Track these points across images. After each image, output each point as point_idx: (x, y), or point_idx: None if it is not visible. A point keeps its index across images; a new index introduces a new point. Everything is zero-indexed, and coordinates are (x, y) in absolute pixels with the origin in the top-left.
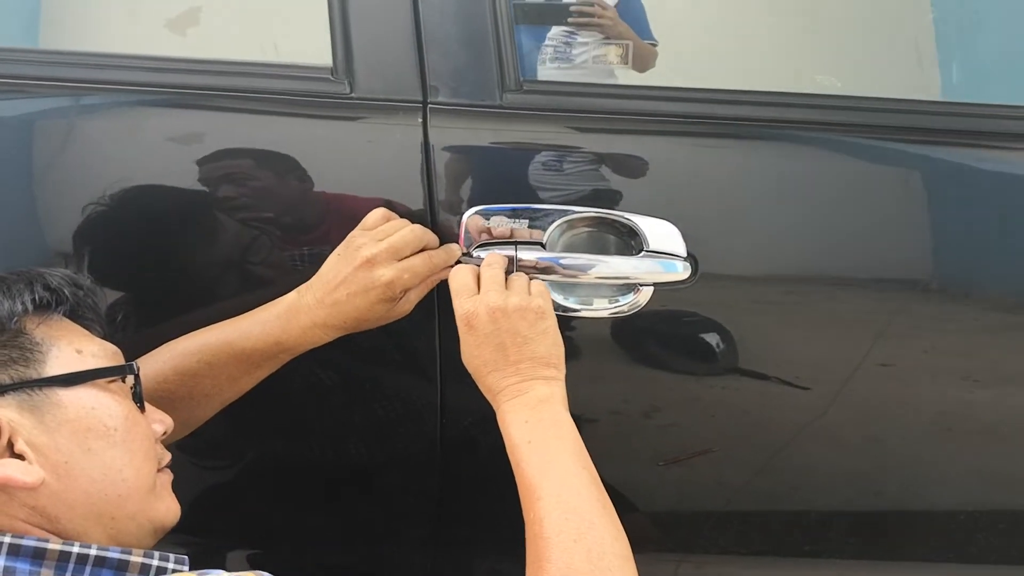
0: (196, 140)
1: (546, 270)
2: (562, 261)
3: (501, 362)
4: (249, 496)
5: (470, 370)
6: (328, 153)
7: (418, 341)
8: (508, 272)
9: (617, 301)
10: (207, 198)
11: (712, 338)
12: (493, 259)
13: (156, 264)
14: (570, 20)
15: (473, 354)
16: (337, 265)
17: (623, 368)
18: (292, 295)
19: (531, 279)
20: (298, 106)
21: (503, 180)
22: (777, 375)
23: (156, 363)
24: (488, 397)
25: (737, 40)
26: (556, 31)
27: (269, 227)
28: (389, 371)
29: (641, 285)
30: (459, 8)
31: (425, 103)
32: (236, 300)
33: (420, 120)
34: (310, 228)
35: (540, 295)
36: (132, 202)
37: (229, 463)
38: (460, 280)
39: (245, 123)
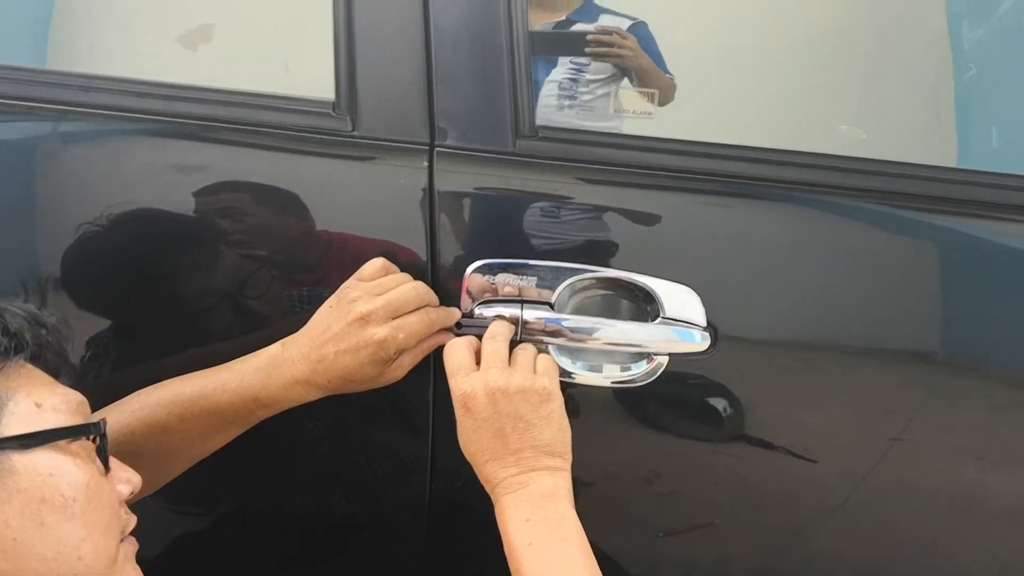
0: (191, 170)
1: (553, 333)
2: (570, 324)
3: (500, 450)
4: (223, 549)
5: (467, 456)
6: (327, 193)
7: (411, 395)
8: (513, 337)
9: (629, 369)
10: (202, 228)
11: (720, 403)
12: (497, 330)
13: (144, 294)
14: (588, 50)
15: (470, 439)
16: (328, 318)
17: (624, 429)
18: (275, 347)
19: (538, 351)
20: (298, 142)
21: (512, 233)
22: (785, 446)
23: (124, 414)
24: (486, 488)
25: (756, 96)
26: (561, 69)
27: (267, 263)
28: (378, 424)
29: (655, 354)
30: (473, 44)
31: (432, 145)
32: (227, 339)
33: (426, 164)
34: (309, 268)
35: (546, 373)
36: (118, 229)
37: (201, 511)
38: (457, 356)
39: (243, 156)
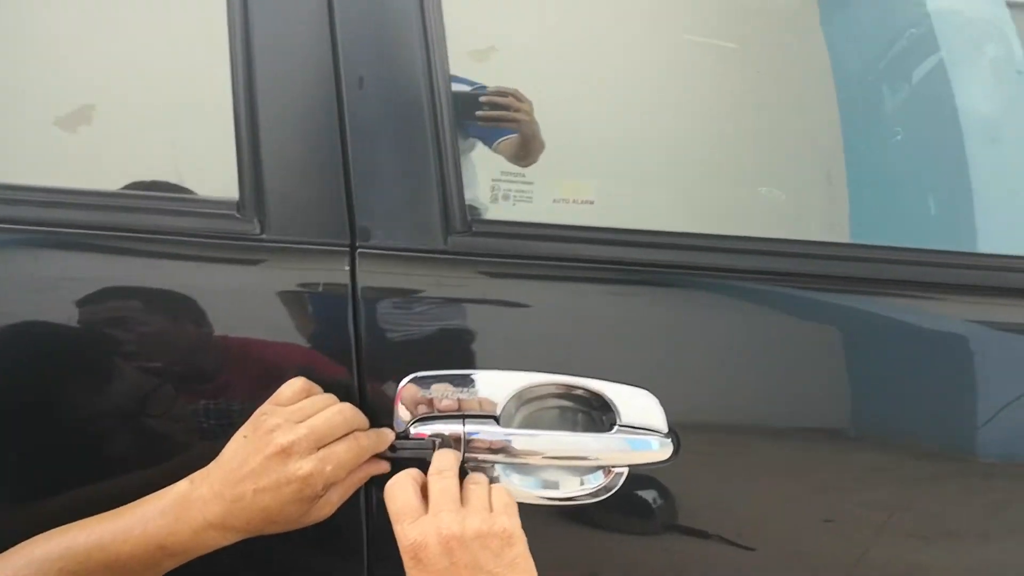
0: (76, 283)
1: (500, 450)
2: (519, 440)
3: None
4: None
5: None
6: (236, 303)
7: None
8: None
9: (583, 485)
10: (91, 342)
11: (649, 495)
12: (444, 462)
13: (27, 421)
14: (479, 113)
15: None
16: (243, 450)
17: (563, 531)
18: (182, 485)
19: (490, 481)
20: (199, 248)
21: (449, 339)
22: (719, 534)
23: (5, 571)
24: None
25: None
26: None
27: (168, 375)
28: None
29: (613, 467)
30: (396, 131)
31: (353, 247)
32: (128, 471)
33: (347, 267)
34: (216, 382)
35: (504, 511)
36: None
37: None
38: (401, 498)
39: (138, 265)
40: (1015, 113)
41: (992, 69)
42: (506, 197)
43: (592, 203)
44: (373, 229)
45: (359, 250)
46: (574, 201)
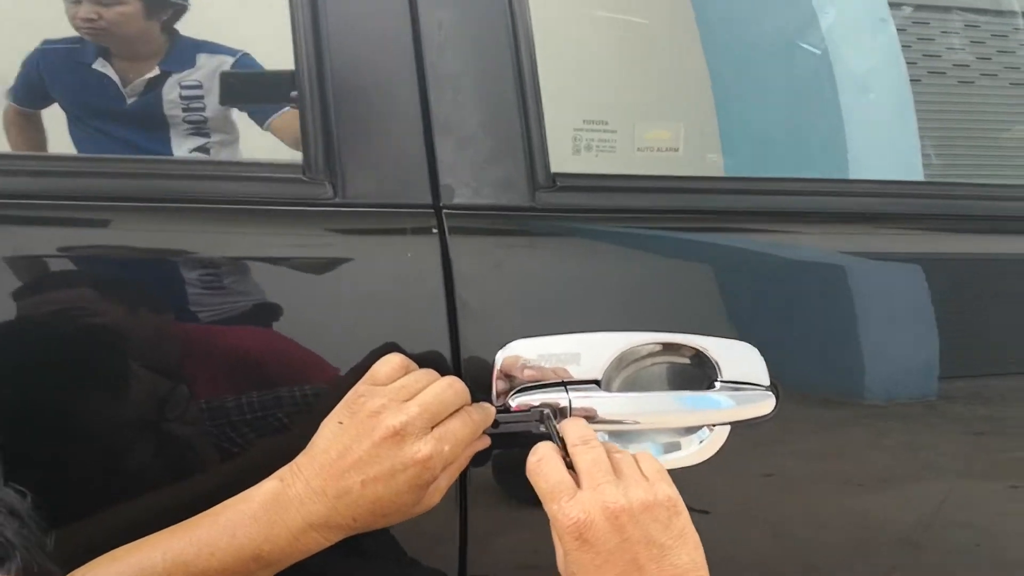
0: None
1: (607, 418)
2: (627, 404)
3: None
4: None
5: None
6: (305, 279)
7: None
8: (552, 429)
9: (701, 444)
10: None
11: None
12: (585, 432)
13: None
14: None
15: None
16: (342, 438)
17: None
18: (271, 484)
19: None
20: (260, 217)
21: (545, 303)
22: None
23: None
24: None
25: None
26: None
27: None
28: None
29: (715, 425)
30: (478, 79)
31: (438, 207)
32: (162, 485)
33: (435, 229)
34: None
35: (662, 477)
36: None
37: None
38: (555, 474)
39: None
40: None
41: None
42: (588, 148)
43: (677, 151)
44: (457, 187)
45: (444, 211)
46: (658, 150)
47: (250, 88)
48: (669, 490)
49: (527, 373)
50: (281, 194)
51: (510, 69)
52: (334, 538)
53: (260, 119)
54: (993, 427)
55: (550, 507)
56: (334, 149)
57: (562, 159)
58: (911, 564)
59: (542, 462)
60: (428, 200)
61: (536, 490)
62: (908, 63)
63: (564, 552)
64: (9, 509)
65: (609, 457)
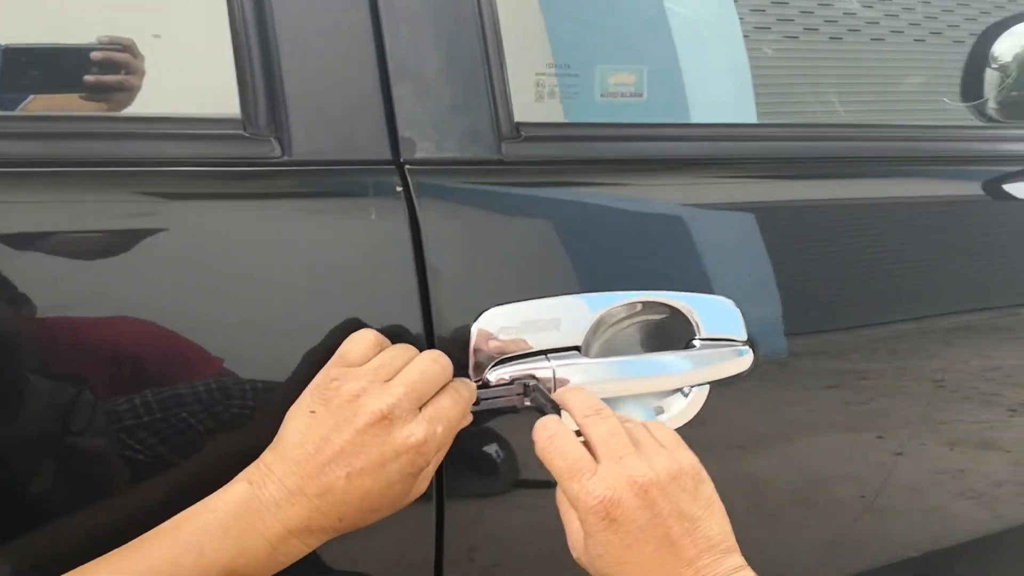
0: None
1: (596, 384)
2: (611, 371)
3: (672, 563)
4: None
5: None
6: (251, 252)
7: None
8: (541, 401)
9: (662, 411)
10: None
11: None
12: (596, 403)
13: None
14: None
15: (620, 560)
16: (317, 429)
17: None
18: (238, 488)
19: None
20: (192, 181)
21: (519, 265)
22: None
23: None
24: None
25: None
26: None
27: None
28: None
29: (693, 386)
30: (436, 19)
31: (399, 162)
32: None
33: (399, 187)
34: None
35: (680, 445)
36: None
37: None
38: (572, 451)
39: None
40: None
41: None
42: (552, 94)
43: (642, 96)
44: (419, 140)
45: (407, 166)
46: (623, 95)
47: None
48: (691, 457)
49: (506, 344)
50: (216, 154)
51: (474, 5)
52: (315, 543)
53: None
54: (842, 381)
55: (570, 486)
56: (279, 100)
57: (524, 108)
58: (808, 521)
59: (555, 438)
60: (388, 155)
61: (550, 469)
62: (828, 21)
63: (587, 534)
64: None
65: (627, 427)
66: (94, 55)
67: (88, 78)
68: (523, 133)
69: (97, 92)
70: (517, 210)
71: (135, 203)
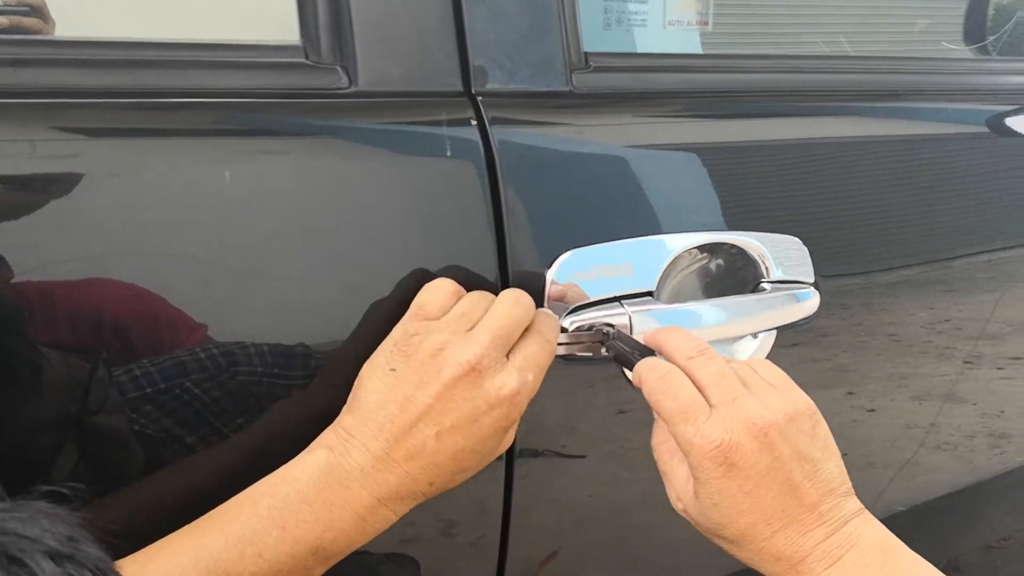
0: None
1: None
2: (693, 317)
3: (795, 509)
4: None
5: (729, 535)
6: (313, 192)
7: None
8: (623, 349)
9: (760, 345)
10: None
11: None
12: (693, 340)
13: None
14: None
15: (739, 508)
16: (401, 387)
17: None
18: (318, 455)
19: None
20: (252, 113)
21: (593, 205)
22: None
23: None
24: (774, 571)
25: None
26: None
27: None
28: None
29: (764, 331)
30: None
31: (471, 95)
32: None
33: (473, 120)
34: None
35: (790, 384)
36: None
37: None
38: (685, 393)
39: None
40: None
41: None
42: (620, 22)
43: (707, 26)
44: (491, 70)
45: (479, 98)
46: (688, 24)
47: None
48: (805, 397)
49: (582, 291)
50: (276, 85)
51: None
52: (404, 510)
53: None
54: (805, 338)
55: (683, 429)
56: (345, 25)
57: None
58: None
59: (667, 377)
60: (459, 86)
61: (660, 411)
62: None
63: (700, 482)
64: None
65: (735, 365)
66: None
67: None
68: (592, 63)
69: None
70: (591, 147)
71: (185, 140)
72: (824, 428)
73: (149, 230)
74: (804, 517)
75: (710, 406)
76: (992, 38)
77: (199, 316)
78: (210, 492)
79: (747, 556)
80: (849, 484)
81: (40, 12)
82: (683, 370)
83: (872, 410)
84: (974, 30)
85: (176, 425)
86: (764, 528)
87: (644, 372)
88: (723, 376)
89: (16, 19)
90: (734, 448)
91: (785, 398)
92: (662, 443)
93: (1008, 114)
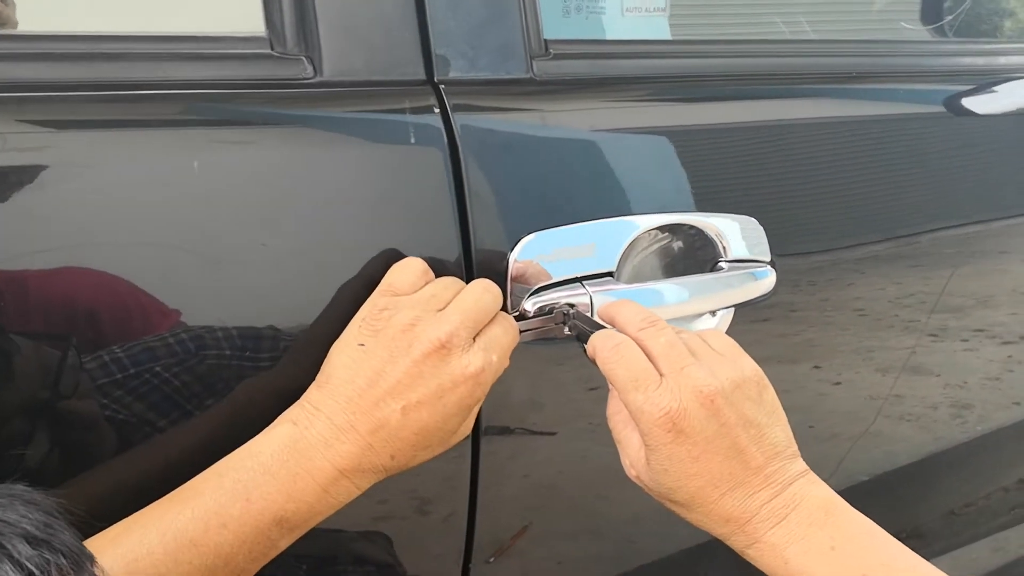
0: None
1: None
2: (653, 296)
3: (740, 472)
4: None
5: (679, 499)
6: (280, 180)
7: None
8: (583, 328)
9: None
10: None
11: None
12: (644, 312)
13: None
14: None
15: (688, 472)
16: (369, 361)
17: None
18: (283, 429)
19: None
20: (219, 104)
21: (554, 188)
22: None
23: None
24: (723, 531)
25: None
26: None
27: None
28: None
29: (720, 309)
30: None
31: (434, 83)
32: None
33: (436, 108)
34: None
35: (739, 352)
36: None
37: None
38: (637, 362)
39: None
40: None
41: None
42: (579, 10)
43: (664, 12)
44: (453, 58)
45: (442, 86)
46: (646, 11)
47: None
48: (752, 364)
49: (543, 272)
50: (243, 75)
51: None
52: (365, 484)
53: None
54: (774, 313)
55: (634, 397)
56: (309, 16)
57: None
58: None
59: (620, 347)
60: (422, 75)
61: (612, 380)
62: None
63: (650, 448)
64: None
65: (683, 336)
66: None
67: None
68: (551, 51)
69: None
70: (551, 132)
71: (150, 129)
72: (771, 394)
73: (118, 219)
74: (750, 479)
75: (660, 375)
76: (949, 18)
77: (170, 302)
78: (184, 472)
79: (697, 518)
80: (795, 447)
81: None
82: (635, 341)
83: (838, 383)
84: (930, 11)
85: (147, 410)
86: (712, 491)
87: (598, 343)
88: (672, 346)
89: None
90: (682, 415)
91: (733, 366)
92: (616, 413)
93: (963, 94)
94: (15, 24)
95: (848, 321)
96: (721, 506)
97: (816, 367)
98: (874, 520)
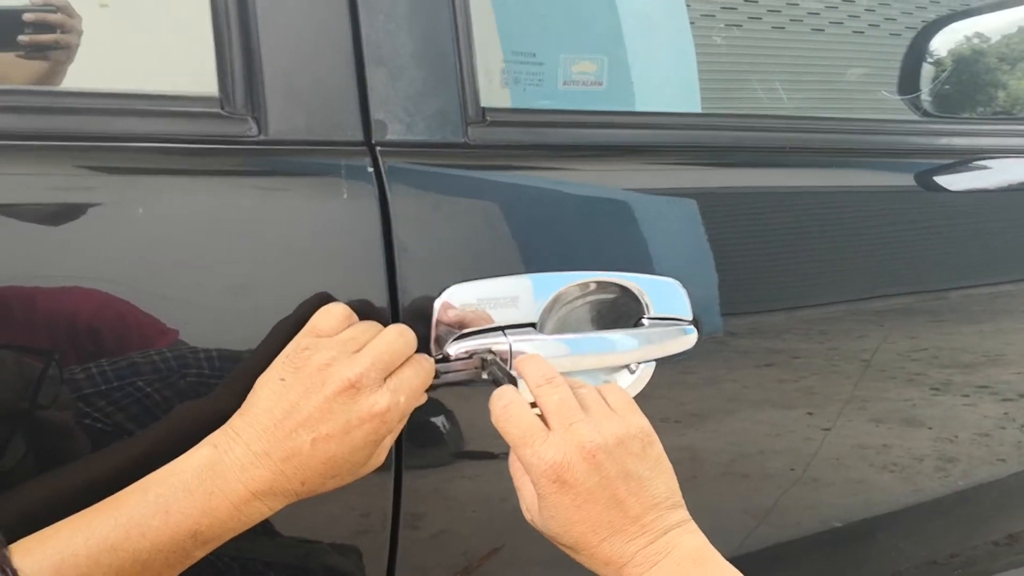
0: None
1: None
2: (569, 346)
3: (619, 520)
4: None
5: (566, 543)
6: (226, 227)
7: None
8: (497, 374)
9: (634, 375)
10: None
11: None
12: (548, 371)
13: None
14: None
15: (571, 520)
16: (287, 395)
17: None
18: (203, 451)
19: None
20: (171, 157)
21: (481, 245)
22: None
23: None
24: (604, 573)
25: None
26: None
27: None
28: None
29: (643, 361)
30: (411, 10)
31: (371, 144)
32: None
33: (370, 167)
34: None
35: (631, 409)
36: None
37: None
38: (525, 419)
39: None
40: None
41: None
42: (516, 81)
43: (601, 85)
44: (390, 122)
45: (378, 147)
46: (584, 84)
47: None
48: (640, 420)
49: (466, 319)
50: (194, 132)
51: None
52: (277, 506)
53: None
54: (776, 359)
55: (523, 452)
56: (257, 79)
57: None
58: (742, 493)
59: (510, 407)
60: (359, 137)
61: (505, 437)
62: (771, 11)
63: (540, 497)
64: None
65: (575, 393)
66: (27, 16)
67: (22, 38)
68: (488, 118)
69: (32, 51)
70: (480, 192)
71: (107, 177)
72: (656, 449)
73: (70, 257)
74: (628, 527)
75: (549, 430)
76: (926, 91)
77: (119, 332)
78: (119, 483)
79: (583, 560)
80: (678, 498)
81: (65, 9)
82: (534, 395)
83: (828, 429)
84: (907, 82)
85: (94, 426)
86: (592, 537)
87: (492, 402)
88: (564, 403)
89: (42, 16)
90: (566, 468)
91: (620, 422)
92: (514, 462)
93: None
94: (79, 33)
95: (852, 371)
96: (601, 551)
97: (809, 413)
98: (851, 563)
